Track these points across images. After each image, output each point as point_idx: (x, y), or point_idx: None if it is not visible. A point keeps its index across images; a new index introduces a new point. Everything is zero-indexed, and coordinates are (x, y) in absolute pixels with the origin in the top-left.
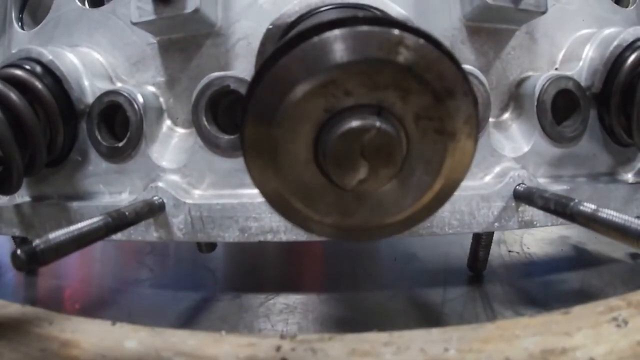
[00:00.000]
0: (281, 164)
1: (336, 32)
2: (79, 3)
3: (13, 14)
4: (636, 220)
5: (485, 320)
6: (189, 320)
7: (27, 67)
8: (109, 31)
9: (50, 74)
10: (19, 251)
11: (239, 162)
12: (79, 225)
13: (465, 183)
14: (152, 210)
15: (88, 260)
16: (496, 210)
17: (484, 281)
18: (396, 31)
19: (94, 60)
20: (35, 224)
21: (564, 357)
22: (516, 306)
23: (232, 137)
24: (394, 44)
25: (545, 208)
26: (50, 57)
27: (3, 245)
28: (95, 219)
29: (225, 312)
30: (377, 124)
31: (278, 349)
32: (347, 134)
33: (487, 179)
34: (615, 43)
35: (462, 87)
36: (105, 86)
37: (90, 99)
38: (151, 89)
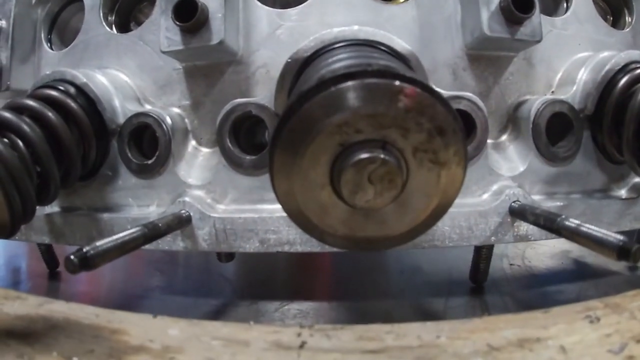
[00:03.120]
0: (303, 186)
1: (349, 83)
2: (107, 28)
3: (42, 35)
4: (614, 235)
5: None
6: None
7: (62, 88)
8: (136, 56)
9: (84, 95)
10: (72, 256)
11: (258, 180)
12: (121, 234)
13: (465, 200)
14: (181, 223)
15: (108, 267)
16: (493, 225)
17: (484, 292)
18: (397, 82)
19: (123, 82)
20: (65, 233)
21: (537, 345)
22: (512, 313)
23: (253, 157)
24: (395, 93)
25: (536, 223)
26: (84, 79)
27: (20, 255)
28: (133, 230)
29: (243, 316)
30: (382, 155)
31: (299, 334)
32: (357, 164)
33: (485, 196)
34: (607, 67)
35: (451, 126)
36: (134, 108)
37: (121, 119)
38: (177, 111)
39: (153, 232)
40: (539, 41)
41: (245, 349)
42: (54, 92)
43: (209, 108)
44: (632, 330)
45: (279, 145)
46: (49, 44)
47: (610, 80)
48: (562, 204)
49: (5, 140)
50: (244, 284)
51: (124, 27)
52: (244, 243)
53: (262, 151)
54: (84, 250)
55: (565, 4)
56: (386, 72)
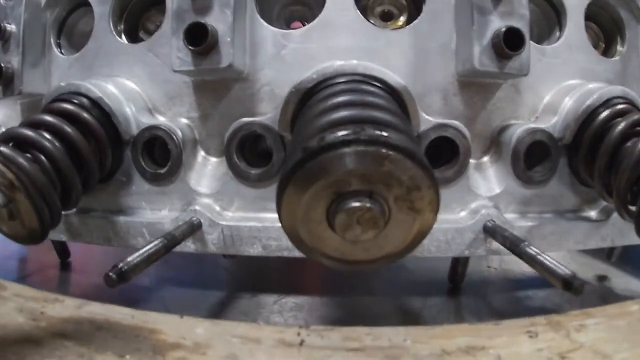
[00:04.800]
0: (303, 221)
1: (345, 149)
2: (117, 37)
3: (52, 39)
4: (563, 268)
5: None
6: (218, 313)
7: (78, 101)
8: (147, 67)
9: (99, 108)
10: (110, 273)
11: (262, 191)
12: (146, 248)
13: (444, 216)
14: (193, 230)
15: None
16: (468, 240)
17: (461, 293)
18: (384, 150)
19: (135, 92)
20: (82, 233)
21: (480, 352)
22: (481, 315)
23: (257, 171)
24: (382, 159)
25: (503, 244)
26: (99, 94)
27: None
28: (156, 242)
29: (245, 307)
30: (368, 205)
31: (298, 334)
32: (348, 210)
33: (463, 213)
34: (588, 102)
35: (427, 183)
36: (146, 119)
37: (134, 130)
38: (186, 121)
39: (172, 242)
40: (526, 74)
41: (258, 346)
42: (71, 107)
43: (217, 120)
44: (560, 347)
45: (286, 192)
46: (58, 49)
47: (590, 115)
48: (533, 223)
49: (30, 156)
50: (245, 276)
51: (132, 35)
52: (249, 247)
53: (266, 165)
54: (119, 266)
55: (558, 31)
56: (376, 140)
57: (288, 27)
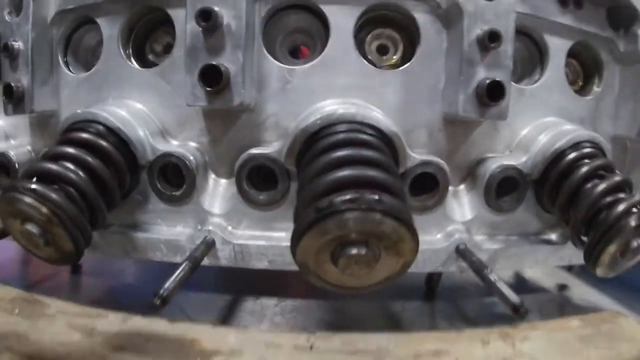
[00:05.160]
0: (313, 260)
1: (349, 215)
2: (127, 61)
3: (59, 57)
4: (514, 296)
5: (427, 328)
6: (229, 315)
7: (95, 130)
8: (158, 92)
9: (116, 136)
10: (155, 300)
11: (268, 214)
12: (177, 273)
13: (423, 238)
14: (209, 248)
15: (127, 264)
16: (442, 259)
17: (435, 297)
18: (379, 216)
19: (147, 117)
20: (101, 246)
21: (445, 355)
22: (453, 320)
23: (265, 197)
24: (378, 223)
25: (470, 266)
26: (117, 124)
27: None
28: (183, 266)
29: (251, 309)
30: (364, 252)
31: (308, 340)
32: (349, 255)
33: (439, 236)
34: (557, 145)
35: (410, 238)
36: (160, 145)
37: (150, 155)
38: (196, 145)
39: (196, 263)
40: (504, 120)
41: (280, 350)
42: (91, 137)
43: (226, 146)
44: (505, 354)
45: (301, 242)
46: (66, 67)
47: (558, 156)
48: (500, 246)
49: (59, 190)
50: (250, 280)
51: (139, 55)
52: (257, 262)
53: (269, 187)
54: (161, 293)
55: (539, 71)
56: (374, 209)
57: (290, 54)
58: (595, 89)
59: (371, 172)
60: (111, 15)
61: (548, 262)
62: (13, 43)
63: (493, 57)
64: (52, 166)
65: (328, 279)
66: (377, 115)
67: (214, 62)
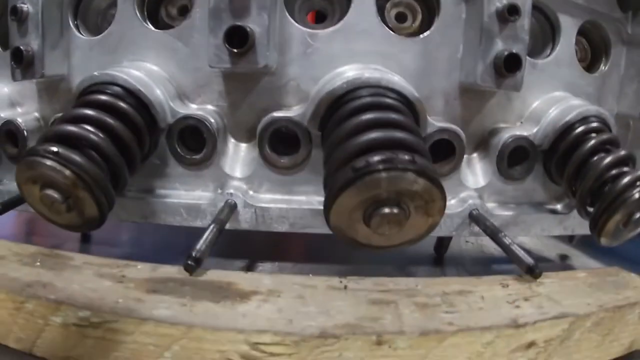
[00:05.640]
0: (347, 220)
1: (384, 174)
2: (143, 22)
3: (70, 19)
4: (528, 257)
5: None
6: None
7: (115, 92)
8: (176, 55)
9: (136, 98)
10: (189, 262)
11: (289, 177)
12: (206, 234)
13: None
14: (231, 211)
15: (133, 229)
16: (456, 224)
17: (444, 263)
18: (413, 176)
19: (164, 80)
20: (118, 212)
21: (468, 294)
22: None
23: (286, 160)
24: (411, 182)
25: (484, 231)
26: (138, 86)
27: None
28: (211, 228)
29: (269, 269)
30: (396, 211)
31: (341, 281)
32: (382, 214)
33: (453, 201)
34: (567, 118)
35: (440, 197)
36: (180, 108)
37: (169, 118)
38: (215, 109)
39: (222, 225)
40: (518, 91)
41: (315, 290)
42: (112, 99)
43: (245, 110)
44: (525, 294)
45: (337, 201)
46: (77, 29)
47: (567, 129)
48: (510, 212)
49: (83, 154)
50: (263, 246)
51: (153, 17)
52: (278, 225)
53: (288, 150)
54: (194, 255)
55: (551, 46)
56: (408, 168)
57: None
58: (602, 67)
59: (402, 134)
60: None
61: (553, 231)
62: (22, 5)
63: (511, 30)
64: (74, 129)
65: (358, 238)
66: (401, 81)
67: (239, 24)
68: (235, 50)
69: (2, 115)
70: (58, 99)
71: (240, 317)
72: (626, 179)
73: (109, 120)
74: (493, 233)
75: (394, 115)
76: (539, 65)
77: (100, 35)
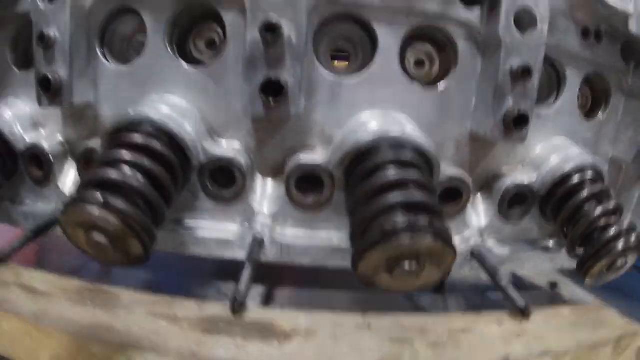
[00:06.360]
0: (373, 270)
1: (408, 238)
2: (173, 56)
3: (97, 46)
4: (521, 299)
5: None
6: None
7: (152, 133)
8: (206, 92)
9: (170, 138)
10: (235, 304)
11: (312, 215)
12: (245, 276)
13: None
14: (260, 247)
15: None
16: (458, 261)
17: (445, 290)
18: (432, 240)
19: (196, 118)
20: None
21: (470, 333)
22: (461, 307)
23: (310, 200)
24: (430, 245)
25: (484, 270)
26: (172, 126)
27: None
28: (248, 266)
29: (288, 295)
30: (414, 264)
31: (364, 319)
32: (401, 270)
33: (457, 238)
34: (566, 168)
35: (452, 255)
36: (211, 147)
37: (202, 157)
38: (242, 147)
39: (255, 263)
40: (523, 142)
41: (344, 328)
42: (149, 141)
43: (272, 148)
44: (516, 331)
45: (365, 257)
46: (104, 57)
47: (564, 179)
48: (507, 250)
49: (126, 199)
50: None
51: (181, 50)
52: (300, 259)
53: (317, 193)
54: (238, 300)
55: (556, 94)
56: (429, 233)
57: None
58: (601, 115)
59: (421, 197)
60: (156, 7)
61: (545, 267)
62: (49, 32)
63: (522, 88)
64: (117, 175)
65: (380, 284)
66: (419, 135)
67: (275, 75)
68: (270, 100)
69: (27, 138)
70: (84, 125)
71: (288, 358)
72: (613, 231)
73: (148, 164)
74: (491, 273)
75: (413, 175)
76: (543, 115)
77: (129, 65)
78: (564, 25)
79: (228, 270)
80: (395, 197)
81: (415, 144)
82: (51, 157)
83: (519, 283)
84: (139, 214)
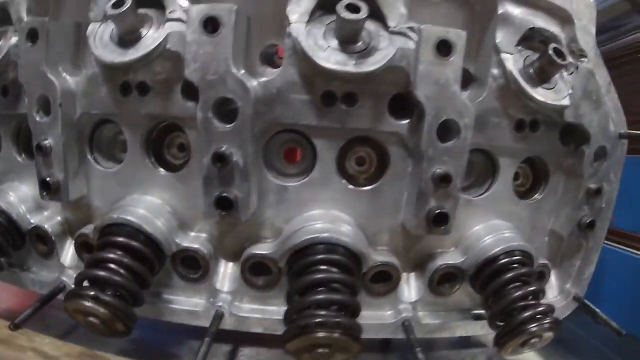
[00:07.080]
0: (297, 350)
1: (319, 333)
2: (151, 166)
3: (87, 152)
4: None
5: None
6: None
7: (132, 234)
8: (178, 193)
9: (147, 236)
10: None
11: (264, 293)
12: (202, 350)
13: (378, 313)
14: (220, 321)
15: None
16: (391, 330)
17: (391, 349)
18: (338, 335)
19: (169, 215)
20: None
21: None
22: None
23: (262, 282)
24: (337, 339)
25: (407, 342)
26: (149, 229)
27: None
28: (206, 342)
29: (249, 354)
30: (327, 351)
31: None
32: (317, 353)
33: (390, 312)
34: (493, 251)
35: (355, 346)
36: (181, 240)
37: (174, 248)
38: (208, 236)
39: (213, 336)
40: (448, 235)
41: None
42: (129, 241)
43: (232, 238)
44: None
45: (291, 342)
46: (94, 161)
47: (492, 261)
48: (438, 319)
49: (112, 293)
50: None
51: (158, 153)
52: (255, 328)
53: (267, 275)
54: None
55: (490, 182)
56: (340, 331)
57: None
58: (538, 196)
59: (340, 297)
60: (132, 123)
61: (477, 332)
62: (45, 143)
63: (444, 192)
64: (104, 274)
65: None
66: (352, 236)
67: (225, 194)
68: (223, 213)
69: (32, 221)
70: (79, 211)
71: None
72: (529, 313)
73: (129, 261)
74: (412, 347)
75: (337, 275)
76: (475, 202)
77: (114, 169)
78: (495, 122)
79: (199, 333)
80: (317, 295)
81: (345, 244)
82: (53, 237)
83: (462, 339)
84: (122, 305)
